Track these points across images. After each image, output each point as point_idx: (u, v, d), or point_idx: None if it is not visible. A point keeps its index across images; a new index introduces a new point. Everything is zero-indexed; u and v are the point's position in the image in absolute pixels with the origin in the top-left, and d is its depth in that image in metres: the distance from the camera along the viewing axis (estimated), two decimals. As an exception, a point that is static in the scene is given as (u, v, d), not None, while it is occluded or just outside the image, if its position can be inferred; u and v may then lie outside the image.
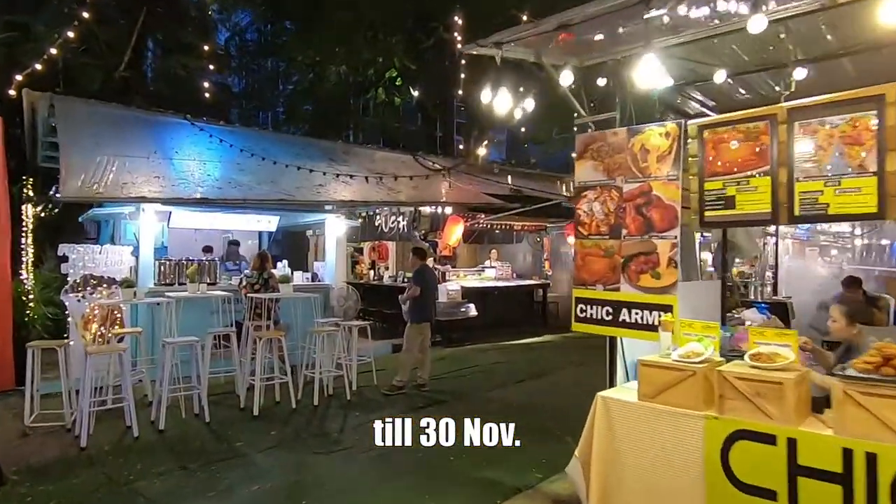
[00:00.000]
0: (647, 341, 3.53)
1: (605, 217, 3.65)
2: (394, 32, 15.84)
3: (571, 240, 12.59)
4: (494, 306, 11.66)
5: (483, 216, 10.75)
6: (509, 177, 11.69)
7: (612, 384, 3.85)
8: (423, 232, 10.97)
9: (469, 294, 10.93)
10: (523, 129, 14.72)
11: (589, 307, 3.83)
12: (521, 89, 4.16)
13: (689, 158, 3.27)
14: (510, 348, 10.34)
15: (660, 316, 3.32)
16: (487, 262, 13.26)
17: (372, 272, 13.02)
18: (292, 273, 9.32)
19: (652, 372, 3.02)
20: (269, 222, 10.21)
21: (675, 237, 3.33)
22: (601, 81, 3.92)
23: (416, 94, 17.65)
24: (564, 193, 8.18)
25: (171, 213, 8.63)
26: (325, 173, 6.54)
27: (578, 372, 8.38)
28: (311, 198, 6.29)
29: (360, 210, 13.61)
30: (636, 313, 3.50)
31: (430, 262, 11.29)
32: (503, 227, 12.21)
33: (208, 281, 8.01)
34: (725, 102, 4.80)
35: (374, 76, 17.65)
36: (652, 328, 3.40)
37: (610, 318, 3.70)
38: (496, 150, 23.49)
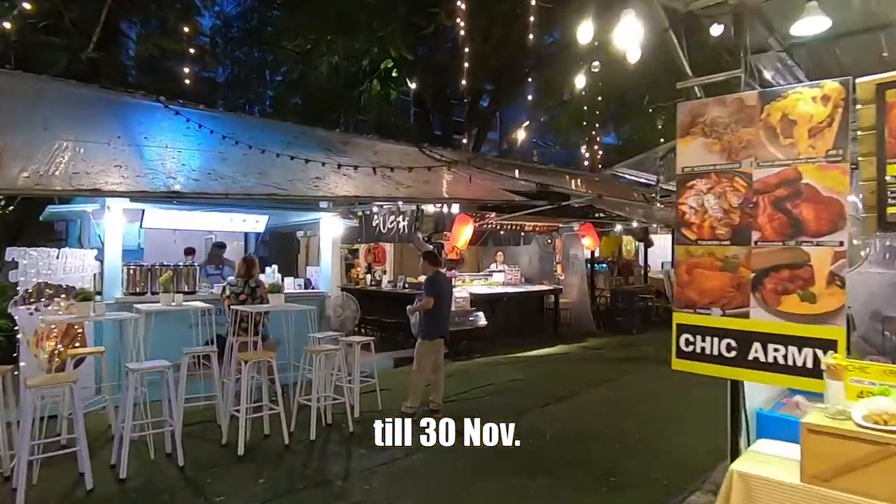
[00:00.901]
0: (768, 385, 2.56)
1: (725, 215, 2.68)
2: (390, 19, 14.79)
3: (587, 241, 11.67)
4: (503, 314, 10.70)
5: (494, 215, 9.77)
6: (517, 171, 10.71)
7: (734, 447, 2.87)
8: (427, 233, 9.97)
9: (477, 301, 9.95)
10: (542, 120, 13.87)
11: (699, 338, 2.86)
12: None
13: (860, 132, 2.33)
14: (524, 362, 9.36)
15: (817, 355, 2.37)
16: (493, 266, 12.29)
17: (369, 276, 11.98)
18: (283, 279, 8.28)
19: (826, 443, 2.06)
20: (256, 222, 9.16)
21: (841, 243, 2.37)
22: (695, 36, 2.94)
23: (413, 86, 16.60)
24: (583, 191, 7.31)
25: (143, 211, 7.56)
26: (323, 164, 5.53)
27: (609, 392, 7.42)
28: (308, 192, 5.29)
29: (359, 208, 12.60)
30: (776, 350, 2.53)
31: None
32: (512, 227, 11.24)
33: (186, 289, 6.94)
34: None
35: (368, 67, 16.58)
36: (803, 371, 2.44)
37: (733, 354, 2.73)
38: (496, 146, 22.53)
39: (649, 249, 16.12)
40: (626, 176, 6.15)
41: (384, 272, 12.67)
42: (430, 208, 10.59)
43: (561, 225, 11.69)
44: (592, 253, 13.32)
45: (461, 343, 9.62)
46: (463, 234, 9.22)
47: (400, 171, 6.27)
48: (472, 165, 7.91)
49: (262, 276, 6.93)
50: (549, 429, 5.82)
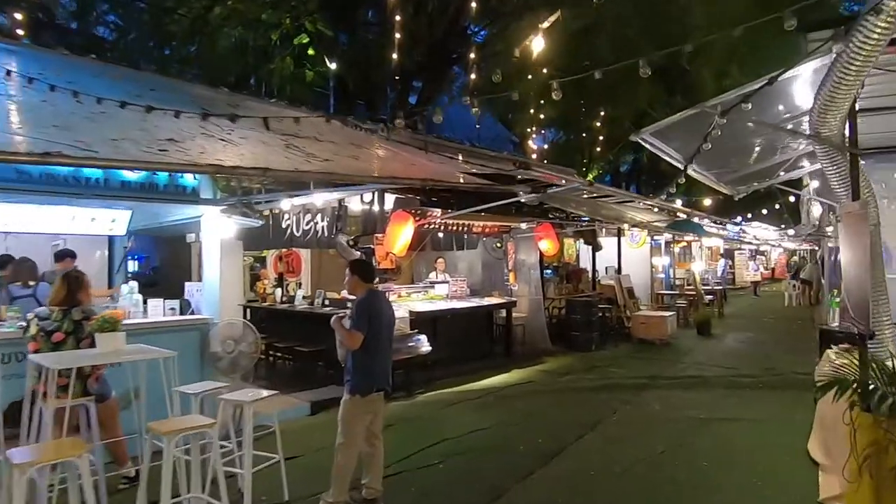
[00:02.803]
0: None
1: None
2: (307, -15, 12.43)
3: (545, 245, 9.89)
4: (448, 336, 8.69)
5: (440, 213, 7.74)
6: (460, 155, 8.71)
7: None
8: (352, 236, 7.80)
9: (418, 322, 7.89)
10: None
11: None
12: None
13: None
14: (479, 397, 7.38)
15: None
16: (433, 275, 10.27)
17: (279, 291, 9.60)
18: (163, 302, 5.85)
19: None
20: (113, 221, 6.63)
21: None
22: None
23: (333, 67, 14.25)
24: (577, 179, 5.58)
25: None
26: (177, 114, 3.28)
27: (605, 444, 5.55)
28: (143, 157, 3.04)
29: (265, 205, 10.17)
30: None
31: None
32: (455, 228, 9.26)
33: (-31, 324, 4.41)
34: None
35: (279, 42, 14.05)
36: None
37: None
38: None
39: (597, 254, 14.69)
40: (654, 148, 4.42)
41: (299, 285, 10.33)
42: (356, 205, 8.41)
43: (513, 225, 9.86)
44: (541, 258, 11.62)
45: (400, 376, 7.52)
46: (400, 236, 7.13)
47: (311, 141, 4.13)
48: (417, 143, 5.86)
49: (92, 306, 4.52)
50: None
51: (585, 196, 11.98)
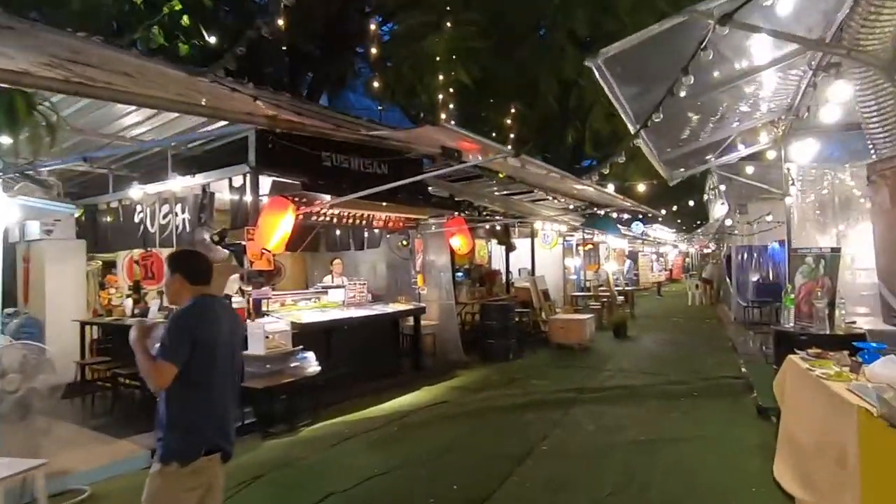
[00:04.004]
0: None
1: None
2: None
3: (457, 242, 8.59)
4: (345, 350, 7.26)
5: (329, 200, 6.27)
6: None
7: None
8: (216, 230, 6.17)
9: (305, 335, 6.37)
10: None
11: None
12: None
13: None
14: (381, 426, 5.99)
15: None
16: (329, 279, 8.76)
17: (129, 302, 7.71)
18: None
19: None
20: None
21: None
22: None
23: (213, 40, 12.31)
24: (503, 148, 4.34)
25: None
26: None
27: (540, 485, 4.35)
28: None
29: (110, 195, 8.30)
30: None
31: (234, 284, 6.54)
32: (352, 221, 7.82)
33: None
34: None
35: (143, 6, 11.90)
36: None
37: None
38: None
39: (511, 254, 13.77)
40: (609, 90, 3.31)
41: (159, 293, 8.42)
42: (224, 194, 6.79)
43: (421, 219, 8.58)
44: (453, 258, 10.45)
45: (278, 404, 5.97)
46: (277, 228, 5.61)
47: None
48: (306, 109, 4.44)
49: None
50: None
51: (498, 190, 11.03)
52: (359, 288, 8.04)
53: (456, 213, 8.47)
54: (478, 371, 8.82)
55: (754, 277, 14.04)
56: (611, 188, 7.35)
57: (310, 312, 7.11)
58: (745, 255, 14.19)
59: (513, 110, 10.91)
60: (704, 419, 6.04)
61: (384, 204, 7.44)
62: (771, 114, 5.28)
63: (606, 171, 5.18)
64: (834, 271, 4.62)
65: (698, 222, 23.33)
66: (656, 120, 3.19)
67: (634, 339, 12.22)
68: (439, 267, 9.34)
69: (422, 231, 8.87)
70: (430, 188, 9.03)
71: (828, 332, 4.57)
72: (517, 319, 10.42)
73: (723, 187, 13.06)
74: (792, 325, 5.03)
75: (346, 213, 7.36)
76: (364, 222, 7.82)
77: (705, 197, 16.18)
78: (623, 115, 3.88)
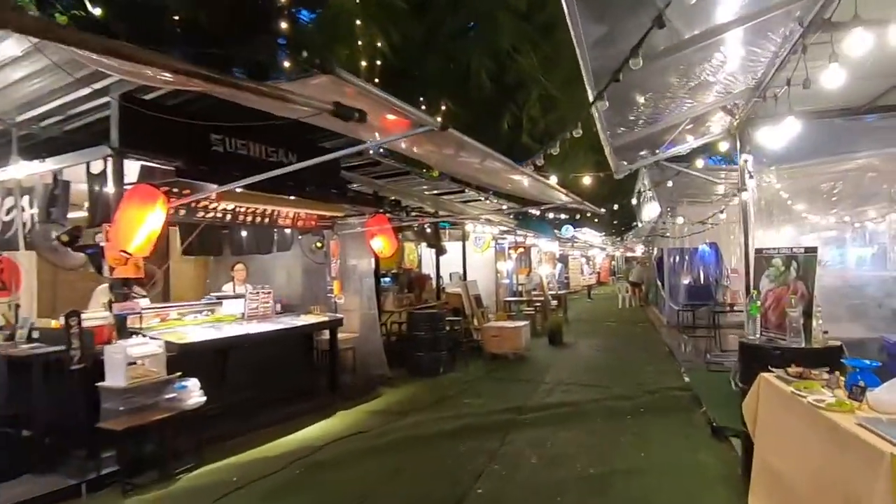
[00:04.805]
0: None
1: None
2: None
3: (378, 243, 7.36)
4: (244, 373, 6.09)
5: (216, 191, 5.09)
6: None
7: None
8: (66, 229, 4.86)
9: (189, 357, 5.16)
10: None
11: None
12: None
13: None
14: (281, 468, 4.88)
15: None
16: (229, 287, 7.51)
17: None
18: None
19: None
20: None
21: None
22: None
23: (97, 12, 10.74)
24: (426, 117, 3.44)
25: None
26: None
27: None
28: None
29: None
30: None
31: (102, 296, 5.21)
32: (251, 219, 6.64)
33: None
34: None
35: (8, -33, 10.07)
36: None
37: None
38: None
39: (441, 258, 12.91)
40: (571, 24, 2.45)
41: (14, 308, 6.86)
42: (81, 181, 5.44)
43: (338, 217, 7.50)
44: (377, 263, 9.43)
45: (147, 447, 4.75)
46: (140, 225, 4.39)
47: None
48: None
49: None
50: None
51: (429, 189, 10.11)
52: (262, 297, 6.85)
53: (379, 210, 7.46)
54: (404, 388, 7.84)
55: (686, 280, 13.89)
56: (553, 180, 6.59)
57: (198, 329, 5.87)
58: (677, 258, 14.02)
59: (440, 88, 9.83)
60: (657, 442, 5.35)
61: (292, 198, 6.33)
62: (730, 96, 4.65)
63: (556, 152, 4.36)
64: (809, 275, 4.01)
65: (633, 224, 23.42)
66: (634, 68, 2.41)
67: (571, 346, 11.65)
68: (361, 272, 8.29)
69: (339, 231, 7.78)
70: (354, 185, 7.99)
71: (803, 345, 3.94)
72: (448, 328, 9.52)
73: (650, 194, 12.83)
74: (758, 336, 4.39)
75: (244, 209, 6.18)
76: (268, 220, 6.65)
77: (633, 200, 16.04)
78: (583, 69, 3.07)
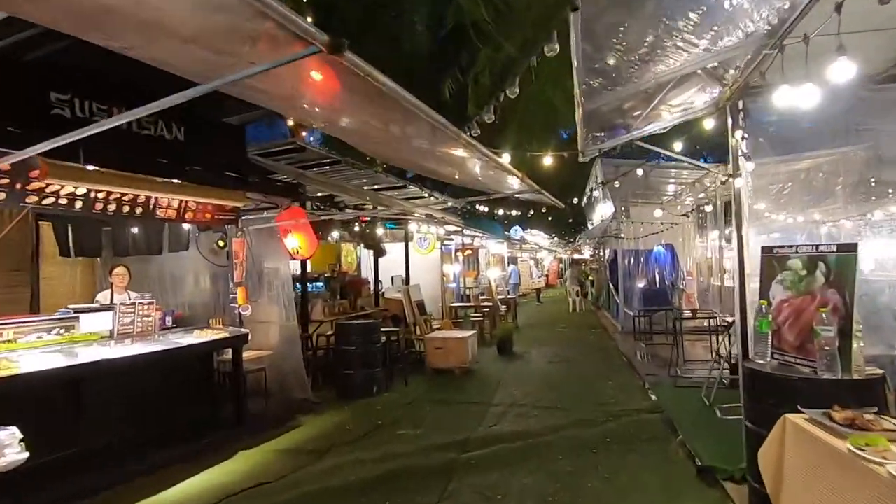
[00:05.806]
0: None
1: None
2: None
3: (293, 241, 5.64)
4: (112, 408, 4.68)
5: (40, 164, 3.67)
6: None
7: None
8: None
9: (20, 394, 3.71)
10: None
11: None
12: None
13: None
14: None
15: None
16: (104, 296, 6.01)
17: None
18: None
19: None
20: None
21: None
22: None
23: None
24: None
25: None
26: None
27: None
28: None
29: None
30: None
31: None
32: (119, 208, 5.19)
33: None
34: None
35: None
36: None
37: None
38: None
39: (380, 260, 11.66)
40: None
41: None
42: None
43: (240, 208, 6.12)
44: (304, 265, 8.09)
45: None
46: None
47: None
48: None
49: None
50: None
51: (368, 183, 8.81)
52: (142, 309, 5.40)
53: (294, 203, 6.14)
54: (329, 416, 6.55)
55: (641, 284, 13.16)
56: (506, 159, 5.48)
57: (37, 354, 4.40)
58: (631, 260, 13.27)
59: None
60: (632, 488, 4.31)
61: (174, 182, 4.94)
62: (723, 51, 3.64)
63: (514, 94, 3.22)
64: (846, 281, 3.03)
65: (581, 227, 22.81)
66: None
67: (522, 357, 10.61)
68: (281, 278, 6.92)
69: (245, 227, 6.37)
70: (278, 176, 6.63)
71: (840, 375, 2.94)
72: (385, 340, 8.27)
73: (598, 193, 12.05)
74: (768, 361, 3.39)
75: (102, 194, 4.73)
76: (144, 211, 5.21)
77: (584, 200, 15.31)
78: None
